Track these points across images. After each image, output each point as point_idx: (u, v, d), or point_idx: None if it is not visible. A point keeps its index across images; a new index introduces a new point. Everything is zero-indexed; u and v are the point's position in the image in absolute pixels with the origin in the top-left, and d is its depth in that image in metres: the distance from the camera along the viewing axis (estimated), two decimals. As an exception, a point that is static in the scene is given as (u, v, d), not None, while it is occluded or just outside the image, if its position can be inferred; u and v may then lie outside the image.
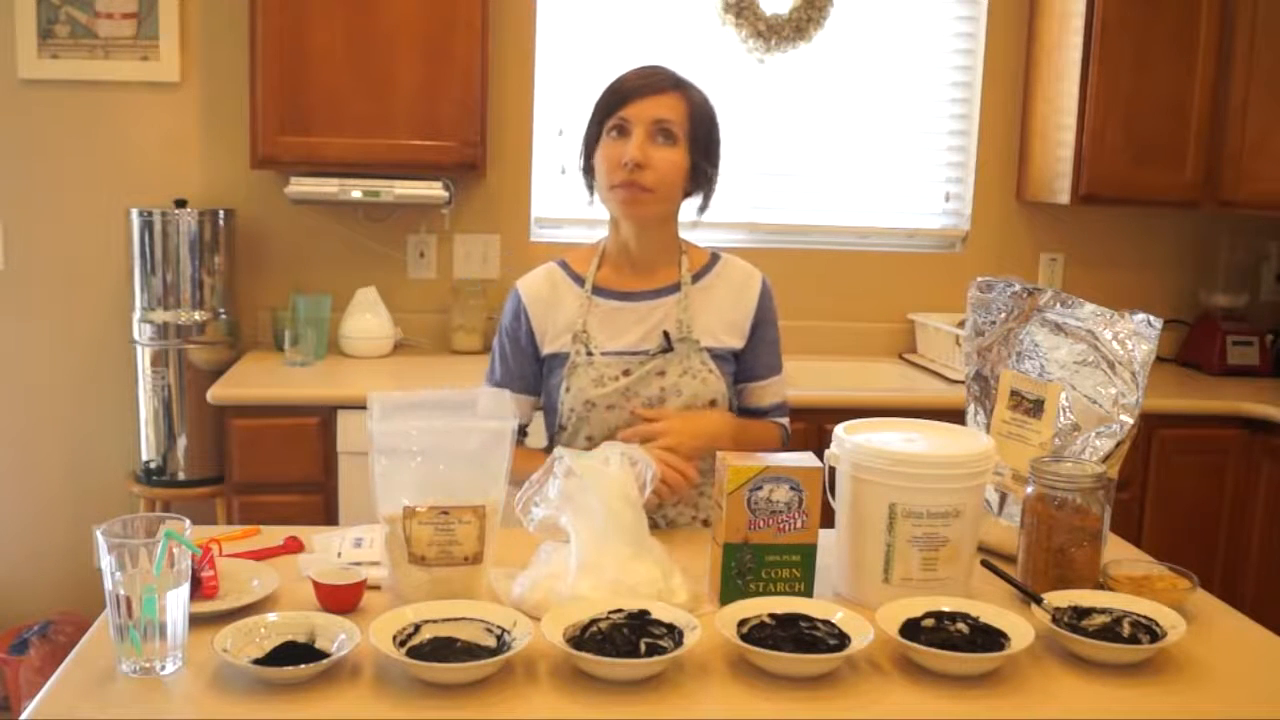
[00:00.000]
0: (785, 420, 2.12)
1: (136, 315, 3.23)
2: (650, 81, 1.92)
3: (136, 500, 3.29)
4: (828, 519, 1.63)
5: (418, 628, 1.41)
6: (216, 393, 2.97)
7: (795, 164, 3.75)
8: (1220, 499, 3.31)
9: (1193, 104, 3.46)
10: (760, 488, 1.57)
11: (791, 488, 1.57)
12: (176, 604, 1.33)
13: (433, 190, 3.27)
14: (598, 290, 2.02)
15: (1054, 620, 1.49)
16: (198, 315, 3.23)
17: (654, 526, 1.71)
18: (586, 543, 1.55)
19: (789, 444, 2.06)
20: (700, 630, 1.40)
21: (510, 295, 2.06)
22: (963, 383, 2.01)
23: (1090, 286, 3.67)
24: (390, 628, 1.39)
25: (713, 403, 1.98)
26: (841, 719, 1.31)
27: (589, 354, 1.97)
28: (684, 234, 2.07)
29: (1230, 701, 1.40)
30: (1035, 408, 1.84)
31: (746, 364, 2.05)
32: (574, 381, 1.97)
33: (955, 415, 1.95)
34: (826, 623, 1.45)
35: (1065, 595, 1.56)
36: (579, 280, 2.03)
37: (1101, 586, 1.64)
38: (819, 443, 1.81)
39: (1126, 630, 1.49)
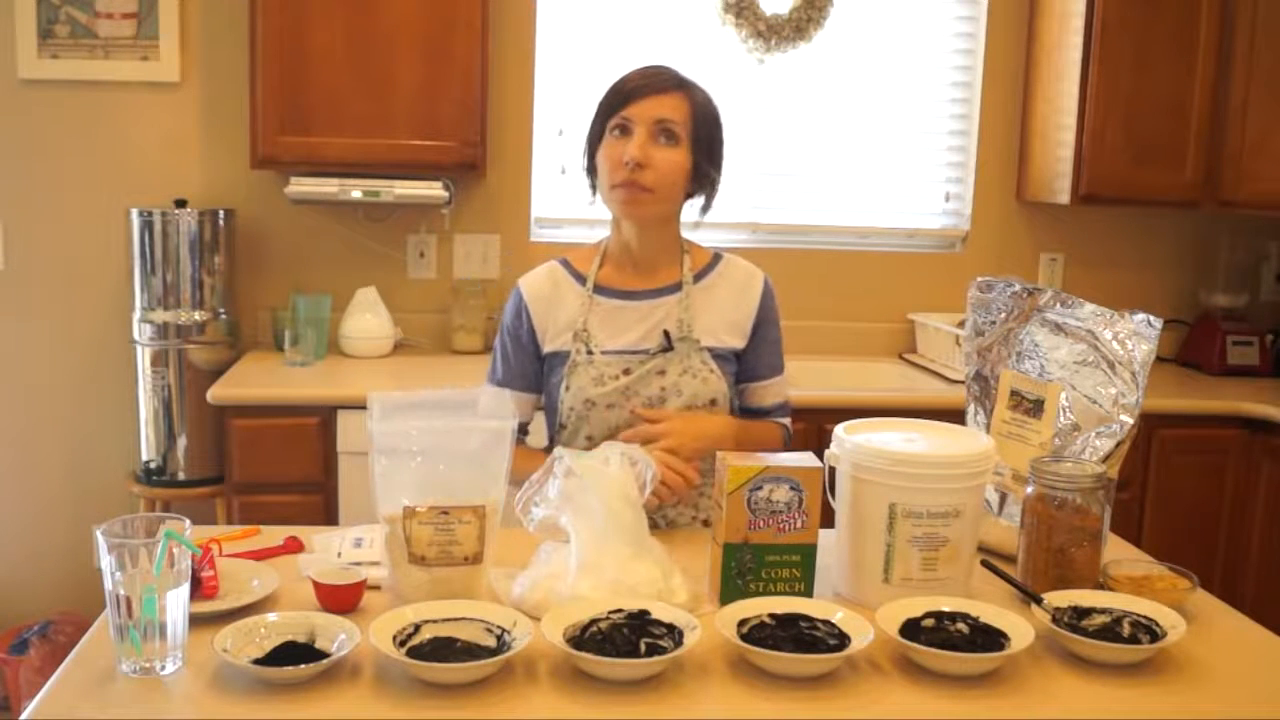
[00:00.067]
0: (787, 420, 2.12)
1: (136, 315, 3.23)
2: (653, 81, 1.92)
3: (136, 500, 3.29)
4: (828, 519, 1.63)
5: (418, 628, 1.41)
6: (216, 393, 2.97)
7: (795, 164, 3.75)
8: (1220, 499, 3.31)
9: (1193, 104, 3.46)
10: (760, 488, 1.57)
11: (791, 488, 1.57)
12: (176, 604, 1.33)
13: (433, 190, 3.27)
14: (599, 289, 2.02)
15: (1054, 620, 1.49)
16: (198, 315, 3.23)
17: (654, 526, 1.71)
18: (586, 543, 1.55)
19: (791, 444, 2.06)
20: (700, 630, 1.40)
21: (512, 293, 2.06)
22: (963, 383, 2.01)
23: (1090, 286, 3.67)
24: (390, 628, 1.39)
25: (713, 402, 1.98)
26: (841, 719, 1.31)
27: (589, 353, 1.97)
28: (684, 234, 2.07)
29: (1230, 701, 1.40)
30: (1035, 408, 1.84)
31: (748, 364, 2.05)
32: (574, 380, 1.97)
33: (955, 415, 1.95)
34: (826, 623, 1.45)
35: (1065, 595, 1.56)
36: (580, 279, 2.03)
37: (1101, 586, 1.64)
38: (819, 443, 1.80)
39: (1126, 630, 1.49)
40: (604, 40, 3.58)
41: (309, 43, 3.14)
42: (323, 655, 1.35)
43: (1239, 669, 1.48)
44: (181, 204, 3.25)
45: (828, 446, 1.67)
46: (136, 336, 3.23)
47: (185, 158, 3.48)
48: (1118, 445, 1.77)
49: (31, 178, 3.43)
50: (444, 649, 1.38)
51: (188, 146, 3.48)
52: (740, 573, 1.58)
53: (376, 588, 1.59)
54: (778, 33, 3.57)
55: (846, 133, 3.75)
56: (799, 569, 1.59)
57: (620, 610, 1.45)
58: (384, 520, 1.56)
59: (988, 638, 1.44)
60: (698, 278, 2.03)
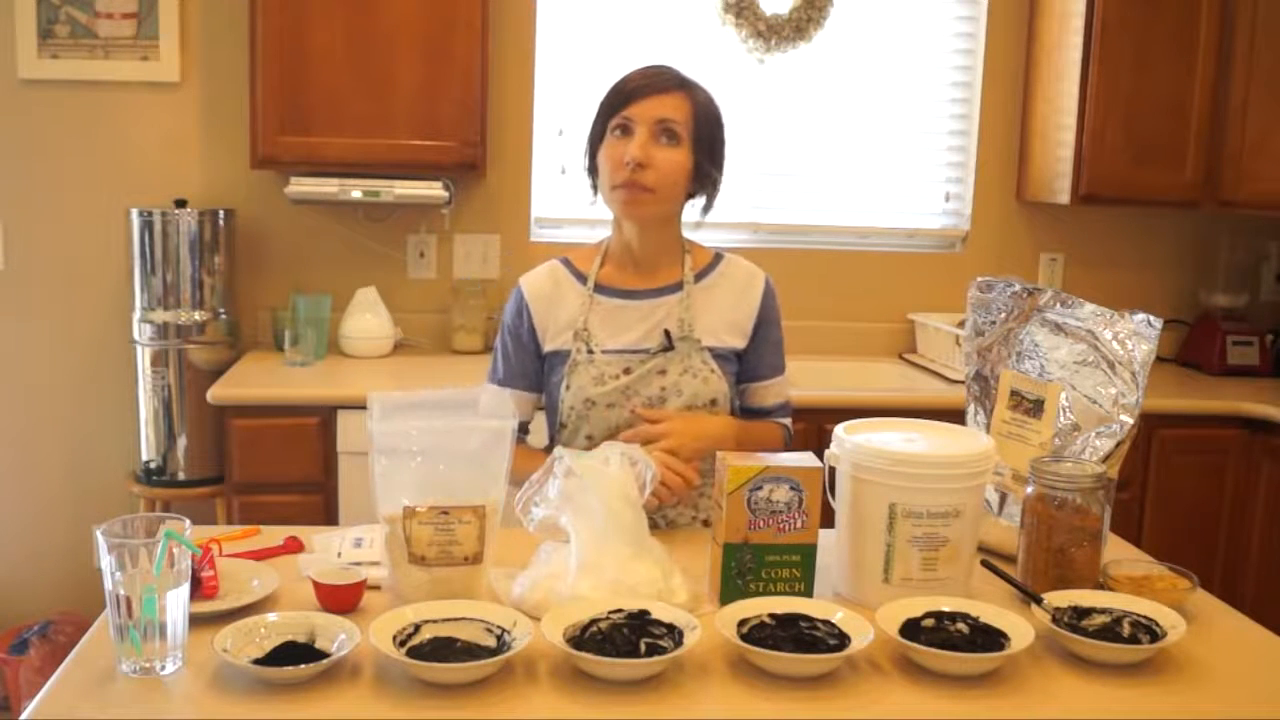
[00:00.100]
0: (788, 421, 2.12)
1: (136, 315, 3.23)
2: (655, 81, 1.92)
3: (136, 500, 3.29)
4: (828, 519, 1.63)
5: (418, 628, 1.41)
6: (216, 393, 2.97)
7: (795, 164, 3.75)
8: (1220, 499, 3.31)
9: (1193, 104, 3.46)
10: (760, 488, 1.57)
11: (791, 488, 1.57)
12: (176, 604, 1.33)
13: (433, 190, 3.27)
14: (600, 288, 2.01)
15: (1054, 620, 1.49)
16: (198, 315, 3.23)
17: (654, 526, 1.71)
18: (586, 543, 1.55)
19: (792, 445, 2.06)
20: (700, 630, 1.40)
21: (513, 292, 2.06)
22: (963, 383, 2.01)
23: (1090, 286, 3.67)
24: (390, 628, 1.39)
25: (713, 403, 1.98)
26: (841, 719, 1.31)
27: (589, 352, 1.97)
28: (686, 234, 2.07)
29: (1230, 701, 1.40)
30: (1035, 408, 1.84)
31: (749, 364, 2.05)
32: (574, 379, 1.97)
33: (955, 415, 1.95)
34: (826, 623, 1.45)
35: (1065, 595, 1.56)
36: (581, 278, 2.03)
37: (1101, 586, 1.64)
38: (819, 443, 1.80)
39: (1126, 630, 1.49)
40: (604, 40, 3.58)
41: (309, 43, 3.14)
42: (323, 655, 1.35)
43: (1239, 669, 1.48)
44: (181, 204, 3.25)
45: (828, 446, 1.67)
46: (136, 336, 3.23)
47: (185, 158, 3.48)
48: (1118, 445, 1.77)
49: (31, 178, 3.43)
50: (444, 649, 1.38)
51: (188, 146, 3.48)
52: (740, 573, 1.58)
53: (376, 588, 1.59)
54: (778, 33, 3.57)
55: (846, 133, 3.75)
56: (799, 569, 1.59)
57: (620, 610, 1.45)
58: (384, 520, 1.56)
59: (988, 638, 1.44)
60: (699, 277, 2.03)
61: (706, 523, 1.99)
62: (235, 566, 1.61)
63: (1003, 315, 1.93)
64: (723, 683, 1.37)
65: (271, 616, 1.43)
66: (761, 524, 1.57)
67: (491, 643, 1.39)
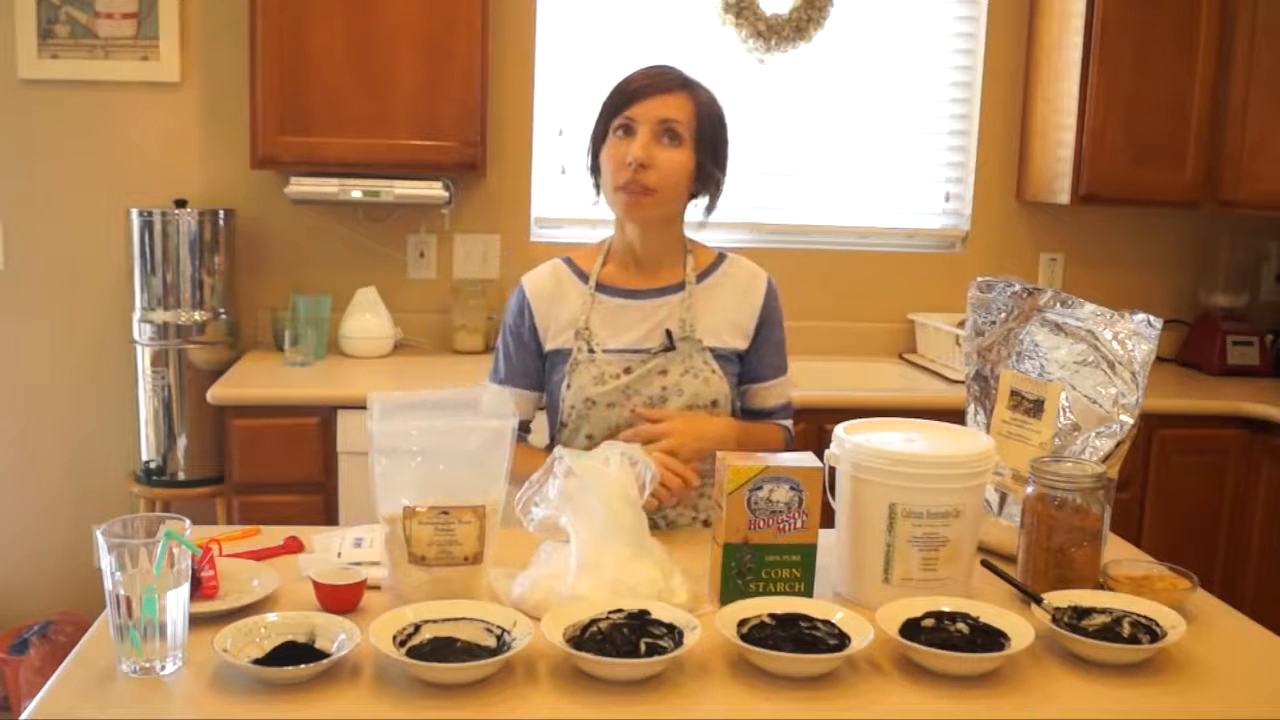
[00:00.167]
0: (789, 422, 2.11)
1: (136, 315, 3.23)
2: (657, 81, 1.92)
3: (136, 500, 3.29)
4: (828, 519, 1.63)
5: (418, 628, 1.41)
6: (216, 393, 2.97)
7: (796, 164, 3.75)
8: (1220, 499, 3.31)
9: (1193, 104, 3.46)
10: (760, 488, 1.57)
11: (791, 488, 1.57)
12: (176, 604, 1.33)
13: (433, 190, 3.27)
14: (601, 287, 2.01)
15: (1054, 620, 1.49)
16: (198, 315, 3.23)
17: (654, 527, 1.71)
18: (586, 543, 1.55)
19: (792, 446, 2.06)
20: (700, 630, 1.40)
21: (515, 291, 2.06)
22: (963, 383, 2.01)
23: (1090, 286, 3.67)
24: (390, 628, 1.39)
25: (714, 403, 1.98)
26: (841, 719, 1.31)
27: (590, 351, 1.97)
28: (688, 234, 2.06)
29: (1230, 701, 1.40)
30: (1035, 408, 1.84)
31: (751, 364, 2.04)
32: (575, 379, 1.97)
33: (955, 415, 1.95)
34: (826, 623, 1.45)
35: (1065, 595, 1.56)
36: (583, 277, 2.02)
37: (1101, 586, 1.64)
38: (819, 443, 1.80)
39: (1126, 630, 1.49)
40: (604, 40, 3.58)
41: (309, 43, 3.14)
42: (323, 655, 1.35)
43: (1239, 669, 1.48)
44: (181, 204, 3.25)
45: (828, 446, 1.67)
46: (136, 336, 3.23)
47: (185, 158, 3.48)
48: (1118, 445, 1.77)
49: (31, 178, 3.43)
50: (444, 649, 1.38)
51: (188, 146, 3.48)
52: (740, 573, 1.58)
53: (376, 588, 1.59)
54: (778, 33, 3.57)
55: (846, 133, 3.75)
56: (799, 569, 1.59)
57: (620, 610, 1.45)
58: (384, 520, 1.56)
59: (988, 638, 1.44)
60: (701, 277, 2.03)
61: (706, 523, 1.99)
62: (235, 566, 1.61)
63: (1003, 315, 1.93)
64: (723, 683, 1.37)
65: (271, 616, 1.43)
66: (761, 524, 1.57)
67: (491, 643, 1.39)
